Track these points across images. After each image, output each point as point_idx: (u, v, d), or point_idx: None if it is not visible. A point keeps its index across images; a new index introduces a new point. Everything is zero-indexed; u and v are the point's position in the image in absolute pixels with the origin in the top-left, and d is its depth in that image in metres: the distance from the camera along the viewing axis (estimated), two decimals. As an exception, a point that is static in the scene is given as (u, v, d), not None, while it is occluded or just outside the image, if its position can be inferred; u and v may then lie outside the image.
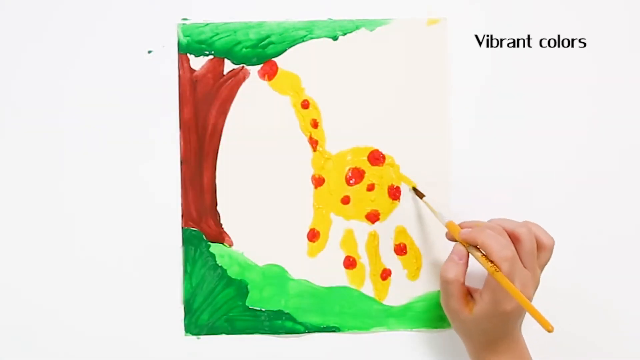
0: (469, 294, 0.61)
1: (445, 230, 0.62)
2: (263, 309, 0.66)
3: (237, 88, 0.66)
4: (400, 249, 0.66)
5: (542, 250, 0.59)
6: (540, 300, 0.59)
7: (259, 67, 0.66)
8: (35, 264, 0.66)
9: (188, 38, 0.65)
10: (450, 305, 0.60)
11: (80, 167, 0.66)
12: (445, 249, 0.66)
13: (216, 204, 0.66)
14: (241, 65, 0.66)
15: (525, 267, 0.58)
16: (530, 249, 0.58)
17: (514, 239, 0.58)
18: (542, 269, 0.60)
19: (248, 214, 0.66)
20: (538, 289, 0.59)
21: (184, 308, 0.66)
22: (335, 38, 0.66)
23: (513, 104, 0.66)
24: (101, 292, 0.66)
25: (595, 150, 0.67)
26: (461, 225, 0.61)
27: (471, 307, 0.59)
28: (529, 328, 0.60)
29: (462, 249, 0.60)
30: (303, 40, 0.66)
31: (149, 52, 0.66)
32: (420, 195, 0.65)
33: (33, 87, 0.66)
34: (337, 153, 0.66)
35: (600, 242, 0.67)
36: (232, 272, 0.66)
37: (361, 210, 0.66)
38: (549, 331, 0.52)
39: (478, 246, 0.58)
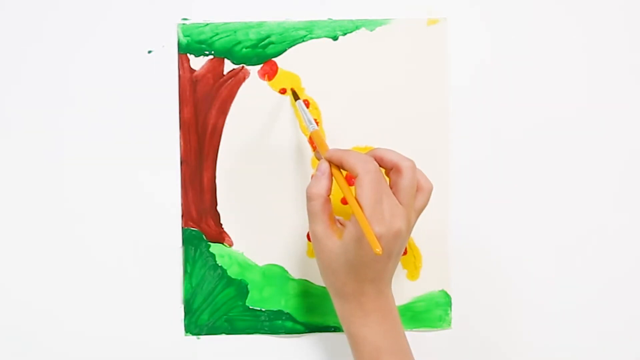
0: (337, 221, 0.58)
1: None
2: (263, 309, 0.66)
3: (237, 88, 0.66)
4: (400, 249, 0.66)
5: (420, 192, 0.57)
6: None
7: (259, 67, 0.66)
8: (35, 264, 0.66)
9: (188, 38, 0.65)
10: (316, 230, 0.56)
11: (80, 167, 0.66)
12: (445, 248, 0.66)
13: (216, 204, 0.66)
14: (241, 65, 0.66)
15: (400, 202, 0.55)
16: (410, 184, 0.55)
17: (395, 170, 0.56)
18: (417, 215, 0.57)
19: (248, 214, 0.66)
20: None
21: (184, 308, 0.66)
22: (335, 38, 0.66)
23: (513, 104, 0.66)
24: (101, 292, 0.66)
25: (594, 150, 0.67)
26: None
27: (340, 233, 0.55)
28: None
29: (326, 164, 0.57)
30: (303, 40, 0.66)
31: (149, 52, 0.66)
32: (296, 97, 0.63)
33: (33, 88, 0.66)
34: (337, 153, 0.66)
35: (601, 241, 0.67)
36: (232, 272, 0.66)
37: (361, 210, 0.66)
38: (377, 254, 0.50)
39: (343, 167, 0.55)
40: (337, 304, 0.58)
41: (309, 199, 0.57)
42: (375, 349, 0.56)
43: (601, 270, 0.67)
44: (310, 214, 0.57)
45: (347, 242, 0.55)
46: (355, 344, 0.57)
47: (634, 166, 0.67)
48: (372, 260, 0.55)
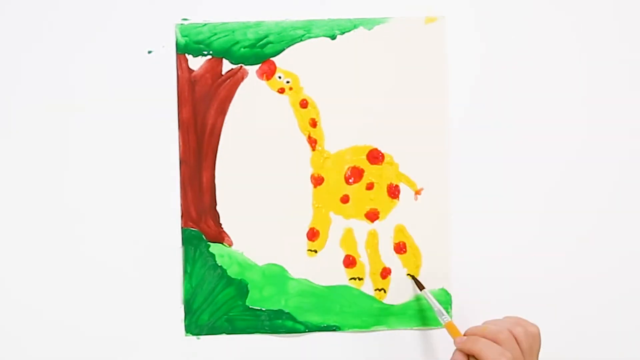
0: None
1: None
2: (263, 309, 0.66)
3: (236, 88, 0.66)
4: (400, 248, 0.66)
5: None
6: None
7: (257, 66, 0.66)
8: (35, 263, 0.66)
9: (186, 38, 0.65)
10: None
11: (80, 167, 0.66)
12: (444, 247, 0.66)
13: (215, 204, 0.66)
14: (239, 65, 0.66)
15: None
16: (529, 346, 0.59)
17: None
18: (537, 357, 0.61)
19: (247, 213, 0.66)
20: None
21: (184, 308, 0.66)
22: (333, 37, 0.66)
23: (511, 102, 0.66)
24: (101, 292, 0.66)
25: (593, 151, 0.67)
26: (463, 334, 0.61)
27: None
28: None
29: (460, 357, 0.60)
30: (301, 40, 0.66)
31: (149, 52, 0.66)
32: (420, 287, 0.65)
33: (33, 88, 0.66)
34: (336, 152, 0.66)
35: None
36: (232, 271, 0.66)
37: (360, 209, 0.66)
38: None
39: (474, 355, 0.59)
40: None
41: None
42: None
43: (602, 270, 0.67)
44: None
45: None
46: None
47: (633, 166, 0.67)
48: None
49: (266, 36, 0.66)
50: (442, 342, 0.66)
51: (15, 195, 0.66)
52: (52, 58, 0.66)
